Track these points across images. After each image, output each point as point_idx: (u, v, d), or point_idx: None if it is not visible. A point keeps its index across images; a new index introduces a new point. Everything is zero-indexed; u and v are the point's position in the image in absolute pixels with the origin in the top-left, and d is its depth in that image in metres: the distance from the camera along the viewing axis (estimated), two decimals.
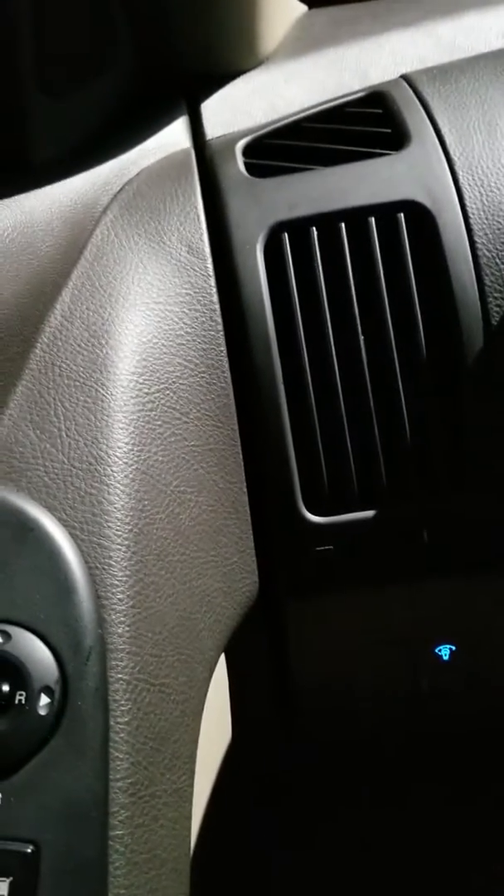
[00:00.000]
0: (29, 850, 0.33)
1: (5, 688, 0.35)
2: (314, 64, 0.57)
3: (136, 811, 0.35)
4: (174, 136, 0.51)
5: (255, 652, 0.51)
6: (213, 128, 0.53)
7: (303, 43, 0.60)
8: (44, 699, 0.35)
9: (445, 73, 0.54)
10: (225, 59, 0.55)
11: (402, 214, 0.46)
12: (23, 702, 0.35)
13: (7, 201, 0.41)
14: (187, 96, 0.54)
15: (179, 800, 0.39)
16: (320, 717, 0.55)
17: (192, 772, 0.40)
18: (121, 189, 0.48)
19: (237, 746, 0.52)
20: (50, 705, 0.35)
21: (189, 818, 0.39)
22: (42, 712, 0.35)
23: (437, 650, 0.51)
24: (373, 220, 0.46)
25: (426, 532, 0.46)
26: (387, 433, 0.46)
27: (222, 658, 0.48)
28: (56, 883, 0.33)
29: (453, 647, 0.51)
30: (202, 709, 0.42)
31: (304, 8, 0.71)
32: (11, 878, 0.32)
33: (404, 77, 0.54)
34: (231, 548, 0.45)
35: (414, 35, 0.61)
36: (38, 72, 0.42)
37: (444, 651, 0.51)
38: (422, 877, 0.68)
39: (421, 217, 0.46)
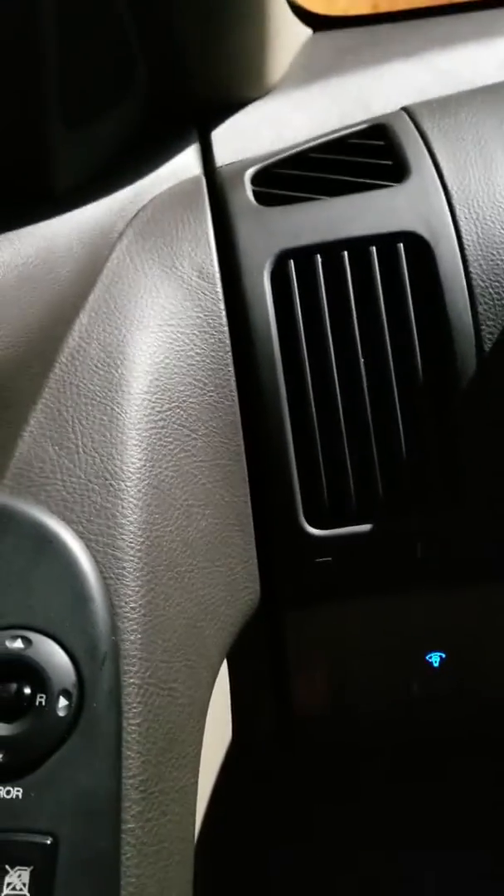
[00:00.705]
0: (48, 842, 0.35)
1: (27, 690, 0.37)
2: (319, 94, 0.59)
3: (147, 806, 0.38)
4: (186, 164, 0.53)
5: (255, 657, 0.53)
6: (223, 155, 0.55)
7: (308, 71, 0.62)
8: (62, 701, 0.37)
9: (445, 106, 0.56)
10: (235, 89, 0.57)
11: (401, 244, 0.48)
12: (43, 704, 0.37)
13: (31, 229, 0.43)
14: (198, 125, 0.56)
15: (185, 796, 0.41)
16: (318, 719, 0.57)
17: (197, 770, 0.42)
18: (135, 215, 0.50)
19: (237, 747, 0.55)
20: (68, 707, 0.37)
21: (193, 814, 0.42)
22: (61, 713, 0.37)
23: (427, 657, 0.53)
24: (374, 249, 0.48)
25: (419, 546, 0.49)
26: (384, 451, 0.48)
27: (224, 662, 0.50)
28: (73, 872, 0.35)
29: (443, 655, 0.53)
30: (206, 711, 0.44)
31: (309, 32, 0.73)
32: (32, 867, 0.35)
33: (405, 109, 0.56)
34: (235, 559, 0.47)
35: (415, 66, 0.63)
36: (61, 106, 0.44)
37: (435, 658, 0.53)
38: (420, 872, 0.70)
39: (419, 247, 0.48)
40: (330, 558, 0.48)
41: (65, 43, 0.42)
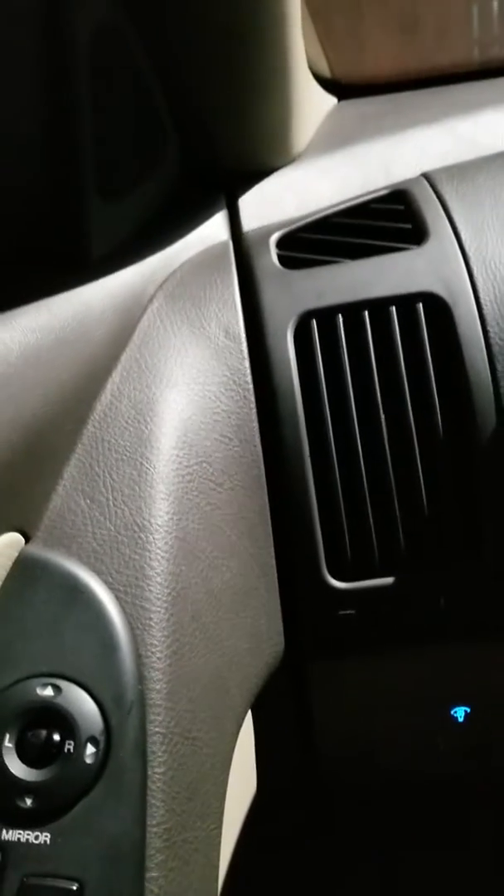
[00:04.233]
0: (74, 888, 0.36)
1: (56, 737, 0.38)
2: (342, 161, 0.62)
3: (170, 855, 0.38)
4: (214, 230, 0.56)
5: (280, 709, 0.53)
6: (250, 221, 0.57)
7: (332, 139, 0.65)
8: (90, 749, 0.38)
9: (463, 171, 0.59)
10: (262, 158, 0.59)
11: (420, 305, 0.50)
12: (71, 751, 0.38)
13: (67, 295, 0.46)
14: (226, 192, 0.58)
15: (209, 847, 0.41)
16: (343, 771, 0.57)
17: (221, 821, 0.43)
18: (165, 279, 0.52)
19: (261, 799, 0.55)
20: (95, 755, 0.38)
21: (216, 865, 0.42)
22: (88, 761, 0.38)
23: (452, 712, 0.54)
24: (394, 309, 0.50)
25: (443, 599, 0.49)
26: (406, 506, 0.49)
27: (249, 713, 0.51)
28: None
29: (468, 710, 0.54)
30: (230, 761, 0.45)
31: (333, 100, 0.77)
32: None
33: (425, 175, 0.59)
34: (259, 610, 0.48)
35: (435, 132, 0.65)
36: (97, 180, 0.47)
37: (460, 713, 0.54)
38: None
39: (438, 307, 0.50)
40: (353, 611, 0.49)
41: (99, 123, 0.45)
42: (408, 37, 0.82)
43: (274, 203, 0.59)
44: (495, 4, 0.81)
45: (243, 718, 0.47)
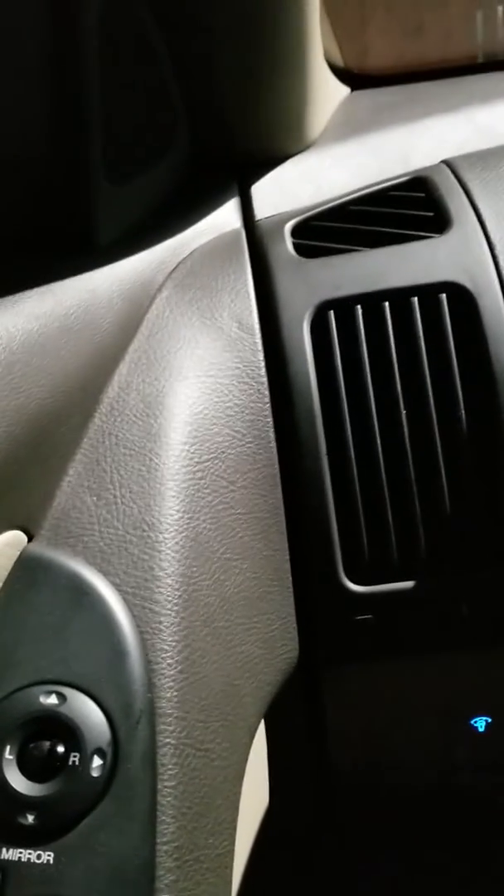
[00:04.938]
0: None
1: (60, 749, 0.36)
2: (358, 148, 0.60)
3: (181, 875, 0.36)
4: (226, 217, 0.54)
5: (294, 717, 0.51)
6: (263, 209, 0.56)
7: (347, 127, 0.63)
8: (96, 761, 0.36)
9: (486, 159, 0.57)
10: (274, 144, 0.58)
11: (443, 295, 0.48)
12: (76, 763, 0.36)
13: (72, 281, 0.44)
14: (239, 179, 0.57)
15: (221, 865, 0.39)
16: (357, 782, 0.55)
17: (234, 837, 0.41)
18: (175, 267, 0.50)
19: (274, 812, 0.53)
20: (102, 767, 0.36)
21: (230, 883, 0.40)
22: (94, 774, 0.36)
23: (473, 722, 0.52)
24: (415, 300, 0.48)
25: (465, 605, 0.47)
26: (427, 507, 0.47)
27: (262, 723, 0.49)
28: None
29: (489, 720, 0.51)
30: (243, 774, 0.43)
31: (347, 90, 0.75)
32: None
33: (446, 162, 0.57)
34: (273, 615, 0.46)
35: (453, 121, 0.64)
36: (105, 163, 0.45)
37: (480, 723, 0.51)
38: None
39: (462, 298, 0.48)
40: (370, 616, 0.47)
41: (109, 102, 0.43)
42: (411, 41, 0.80)
43: (288, 190, 0.57)
44: (500, 10, 0.80)
45: (256, 728, 0.45)
